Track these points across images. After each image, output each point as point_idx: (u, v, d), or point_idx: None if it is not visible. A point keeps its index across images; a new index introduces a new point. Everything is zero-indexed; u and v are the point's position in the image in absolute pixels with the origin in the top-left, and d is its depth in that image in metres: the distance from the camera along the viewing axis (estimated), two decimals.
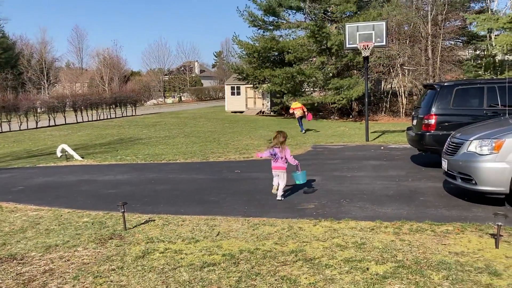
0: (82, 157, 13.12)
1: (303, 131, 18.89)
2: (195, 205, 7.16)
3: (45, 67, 59.84)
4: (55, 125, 27.83)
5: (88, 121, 30.70)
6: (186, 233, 5.64)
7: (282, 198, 7.26)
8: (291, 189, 7.96)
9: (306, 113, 19.15)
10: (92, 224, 6.28)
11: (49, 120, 28.34)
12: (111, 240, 5.48)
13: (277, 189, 7.30)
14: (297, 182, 7.51)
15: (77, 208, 7.25)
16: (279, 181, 7.27)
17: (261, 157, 7.61)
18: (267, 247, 4.99)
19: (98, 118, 32.10)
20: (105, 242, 5.43)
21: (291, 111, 20.13)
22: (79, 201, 7.80)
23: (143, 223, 6.18)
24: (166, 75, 71.07)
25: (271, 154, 7.26)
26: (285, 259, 4.61)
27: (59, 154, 13.31)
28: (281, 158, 7.24)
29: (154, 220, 6.31)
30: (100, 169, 11.25)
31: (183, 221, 6.23)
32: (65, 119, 29.47)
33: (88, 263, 4.76)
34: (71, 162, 12.59)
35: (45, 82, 59.27)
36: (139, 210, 6.91)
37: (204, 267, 4.49)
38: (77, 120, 30.21)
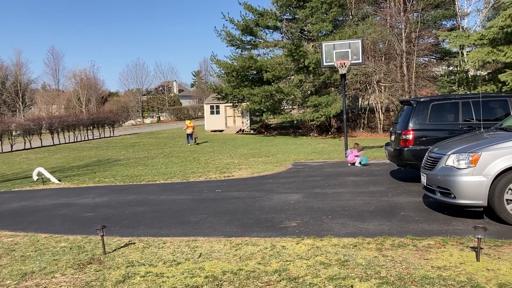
0: (59, 180, 12.86)
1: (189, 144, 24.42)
2: (176, 226, 7.05)
3: (20, 89, 58.96)
4: (31, 148, 27.31)
5: (65, 143, 30.22)
6: (168, 256, 5.53)
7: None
8: (272, 208, 7.93)
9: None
10: (70, 249, 6.11)
11: (25, 143, 27.81)
12: (90, 265, 5.33)
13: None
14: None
15: (54, 232, 7.05)
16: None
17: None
18: (250, 267, 4.93)
19: (75, 140, 31.64)
20: (84, 267, 5.28)
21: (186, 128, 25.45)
22: (56, 225, 7.60)
23: (123, 247, 6.05)
24: (144, 95, 70.81)
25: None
26: (269, 279, 4.55)
27: (35, 177, 13.03)
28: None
29: (134, 243, 6.18)
30: (77, 192, 11.03)
31: (164, 243, 6.12)
32: (41, 141, 28.95)
33: None
34: (48, 185, 12.32)
35: (21, 104, 58.33)
36: (119, 233, 6.76)
37: None
38: (53, 142, 29.71)
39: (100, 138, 33.83)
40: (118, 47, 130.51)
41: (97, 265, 5.33)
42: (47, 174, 12.90)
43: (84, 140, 32.14)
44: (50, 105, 63.65)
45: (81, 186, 11.95)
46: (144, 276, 4.85)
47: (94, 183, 12.28)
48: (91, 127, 34.11)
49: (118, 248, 5.97)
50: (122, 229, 7.03)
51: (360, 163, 12.49)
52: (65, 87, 70.82)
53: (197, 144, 24.82)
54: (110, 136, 35.01)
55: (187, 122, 26.46)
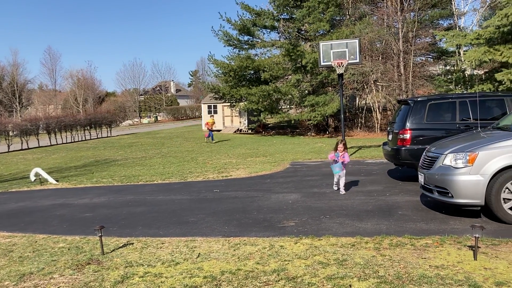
0: (57, 181, 12.84)
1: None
2: (174, 226, 7.06)
3: (17, 90, 58.84)
4: (28, 148, 27.24)
5: (63, 143, 30.15)
6: (166, 256, 5.54)
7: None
8: (270, 207, 7.95)
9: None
10: (69, 249, 6.10)
11: (22, 143, 27.73)
12: (89, 266, 5.34)
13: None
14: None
15: (52, 233, 7.05)
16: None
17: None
18: (249, 267, 4.94)
19: (72, 140, 31.57)
20: (82, 267, 5.28)
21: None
22: (54, 226, 7.60)
23: (121, 247, 6.05)
24: (141, 95, 70.69)
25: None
26: (268, 279, 4.56)
27: (32, 178, 13.00)
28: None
29: (132, 244, 6.19)
30: (75, 192, 11.02)
31: (162, 243, 6.12)
32: (38, 142, 28.88)
33: None
34: (45, 186, 12.30)
35: (17, 104, 58.21)
36: (117, 234, 6.76)
37: None
38: (51, 142, 29.63)
39: (97, 138, 33.77)
40: (115, 46, 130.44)
41: (96, 265, 5.33)
42: (45, 175, 12.87)
43: (82, 140, 32.07)
44: (47, 105, 63.54)
45: (78, 186, 11.93)
46: (142, 277, 4.85)
47: (92, 183, 12.26)
48: (88, 127, 34.04)
49: (117, 249, 5.98)
50: (120, 230, 7.03)
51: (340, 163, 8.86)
52: (62, 87, 70.81)
53: (206, 142, 24.72)
54: (107, 136, 34.96)
55: (209, 119, 26.69)
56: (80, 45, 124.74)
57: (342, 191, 8.88)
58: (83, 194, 10.64)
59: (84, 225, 7.45)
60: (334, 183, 9.27)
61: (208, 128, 25.69)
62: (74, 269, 5.24)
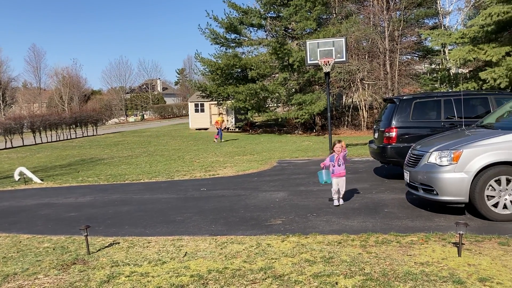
0: (42, 180, 12.68)
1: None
2: (160, 225, 7.02)
3: (1, 88, 57.95)
4: (12, 147, 26.85)
5: (48, 142, 29.80)
6: (152, 255, 5.51)
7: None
8: (257, 206, 7.95)
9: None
10: (53, 249, 6.04)
11: (6, 142, 27.32)
12: (74, 265, 5.29)
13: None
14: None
15: (37, 233, 6.96)
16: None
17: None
18: (236, 266, 4.93)
19: (58, 139, 31.21)
20: (68, 267, 5.23)
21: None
22: (39, 225, 7.51)
23: (107, 246, 6.00)
24: (127, 93, 70.15)
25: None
26: (254, 277, 4.57)
27: (17, 177, 12.82)
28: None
29: (118, 243, 6.14)
30: (60, 191, 10.90)
31: (148, 242, 6.09)
32: (22, 140, 28.49)
33: None
34: (30, 185, 12.14)
35: (1, 103, 57.33)
36: (103, 233, 6.71)
37: None
38: (35, 141, 29.25)
39: (83, 136, 33.45)
40: (101, 45, 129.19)
41: (81, 265, 5.29)
42: (29, 174, 12.71)
43: (67, 139, 31.73)
44: (31, 104, 62.63)
45: (64, 185, 11.80)
46: (129, 276, 4.82)
47: (78, 182, 12.15)
48: (74, 126, 33.68)
49: (103, 248, 5.93)
50: (107, 229, 6.97)
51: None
52: (47, 85, 69.88)
53: (220, 141, 24.03)
54: (93, 135, 34.64)
55: (218, 118, 25.74)
56: (65, 43, 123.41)
57: (341, 201, 7.67)
58: (69, 193, 10.53)
59: (69, 225, 7.38)
60: (334, 198, 7.64)
61: (216, 127, 24.71)
62: (59, 269, 5.19)
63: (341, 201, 7.67)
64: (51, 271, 5.14)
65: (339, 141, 7.77)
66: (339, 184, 7.56)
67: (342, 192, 7.68)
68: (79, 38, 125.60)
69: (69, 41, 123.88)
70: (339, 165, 7.57)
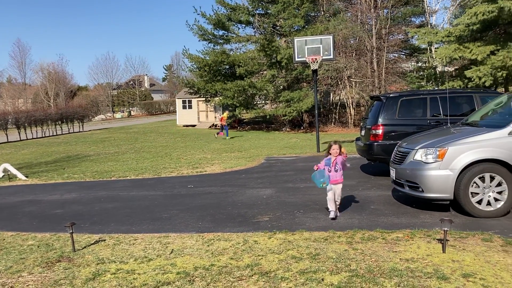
0: (26, 177, 12.53)
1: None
2: (147, 222, 6.99)
3: None
4: None
5: (33, 138, 29.42)
6: (139, 252, 5.48)
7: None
8: (244, 203, 7.95)
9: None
10: (38, 247, 5.97)
11: None
12: (59, 263, 5.23)
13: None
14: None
15: (21, 230, 6.88)
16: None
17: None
18: (223, 263, 4.93)
19: (43, 135, 30.82)
20: (53, 265, 5.18)
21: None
22: (23, 223, 7.42)
23: (93, 244, 5.96)
24: (114, 89, 69.55)
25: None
26: (241, 274, 4.57)
27: (0, 174, 12.65)
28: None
29: (104, 240, 6.10)
30: (45, 188, 10.78)
31: (135, 240, 6.05)
32: (7, 136, 28.09)
33: None
34: (14, 182, 11.99)
35: None
36: (89, 230, 6.66)
37: (158, 287, 4.37)
38: (20, 137, 28.86)
39: (69, 133, 33.10)
40: (88, 40, 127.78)
41: (66, 263, 5.24)
42: (14, 170, 12.55)
43: (53, 135, 31.37)
44: (16, 99, 61.79)
45: (49, 182, 11.67)
46: (114, 273, 4.79)
47: (63, 179, 12.02)
48: (60, 122, 33.27)
49: (88, 245, 5.88)
50: (92, 226, 6.92)
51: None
52: (32, 81, 68.99)
53: (216, 136, 24.03)
54: (79, 131, 34.29)
55: (224, 114, 25.45)
56: (51, 38, 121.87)
57: (338, 212, 6.73)
58: (54, 190, 10.42)
59: (54, 222, 7.30)
60: (330, 209, 6.63)
61: (222, 124, 24.53)
62: (43, 267, 5.13)
63: (338, 213, 6.74)
64: (35, 269, 5.09)
65: (336, 142, 6.72)
66: (335, 192, 6.61)
67: (338, 201, 6.77)
68: (65, 33, 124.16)
69: (55, 36, 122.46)
70: (336, 171, 6.59)
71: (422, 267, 4.52)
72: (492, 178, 6.20)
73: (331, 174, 6.56)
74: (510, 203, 6.21)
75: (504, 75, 15.79)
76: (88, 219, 7.42)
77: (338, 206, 6.77)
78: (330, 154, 6.67)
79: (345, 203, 7.52)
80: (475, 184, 6.23)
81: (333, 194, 6.58)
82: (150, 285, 4.41)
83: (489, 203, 6.24)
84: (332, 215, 6.60)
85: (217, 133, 24.38)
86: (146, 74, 78.43)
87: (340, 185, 6.69)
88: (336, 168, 6.60)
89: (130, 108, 65.74)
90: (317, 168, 6.61)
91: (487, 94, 10.06)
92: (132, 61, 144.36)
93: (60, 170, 13.79)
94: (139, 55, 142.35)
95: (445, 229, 4.90)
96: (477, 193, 6.24)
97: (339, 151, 6.60)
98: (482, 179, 6.22)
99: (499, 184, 6.20)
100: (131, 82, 71.91)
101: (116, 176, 11.94)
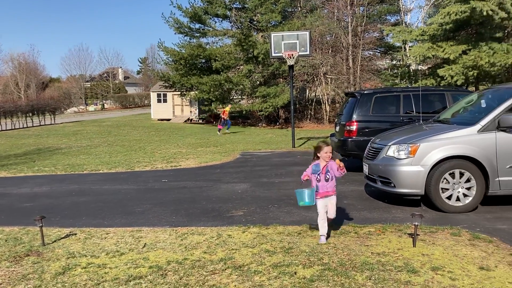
0: None
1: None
2: (119, 216, 6.89)
3: None
4: None
5: (2, 130, 28.61)
6: (110, 246, 5.40)
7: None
8: (219, 197, 7.93)
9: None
10: (6, 241, 5.82)
11: None
12: (28, 257, 5.11)
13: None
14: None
15: None
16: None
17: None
18: (196, 257, 4.91)
19: (13, 127, 30.01)
20: (21, 259, 5.05)
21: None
22: None
23: (63, 238, 5.84)
24: (87, 81, 68.26)
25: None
26: (214, 268, 4.56)
27: None
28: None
29: (75, 234, 5.99)
30: (14, 181, 10.50)
31: (107, 234, 5.96)
32: None
33: (1, 284, 4.39)
34: None
35: None
36: (59, 224, 6.52)
37: (130, 281, 4.32)
38: None
39: (40, 125, 32.32)
40: (60, 30, 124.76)
41: (35, 257, 5.12)
42: None
43: (23, 128, 30.58)
44: None
45: (18, 175, 11.38)
46: (85, 268, 4.71)
47: (33, 172, 11.74)
48: (31, 114, 32.44)
49: (58, 239, 5.76)
50: (63, 220, 6.78)
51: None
52: (1, 71, 66.83)
53: (218, 133, 22.57)
54: (51, 124, 33.52)
55: (226, 108, 24.13)
56: (22, 28, 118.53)
57: (325, 237, 5.22)
58: (23, 183, 10.16)
59: (23, 216, 7.12)
60: (322, 230, 5.23)
61: (223, 118, 23.30)
62: (11, 261, 5.00)
63: (328, 231, 5.34)
64: (3, 263, 4.96)
65: (326, 143, 5.35)
66: (327, 207, 5.30)
67: (332, 217, 5.38)
68: (37, 23, 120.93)
69: (26, 26, 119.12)
70: (327, 180, 5.27)
71: (393, 260, 4.60)
72: (461, 174, 6.35)
73: (320, 185, 5.25)
74: (478, 198, 6.38)
75: (475, 74, 16.19)
76: (59, 212, 7.27)
77: (330, 221, 5.45)
78: (319, 158, 5.31)
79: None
80: (445, 180, 6.37)
81: (325, 208, 5.28)
82: (122, 279, 4.36)
83: (458, 199, 6.39)
84: (322, 240, 5.18)
85: (219, 130, 23.34)
86: (121, 67, 77.24)
87: (334, 198, 5.35)
88: (327, 176, 5.27)
89: (104, 101, 64.60)
90: (305, 179, 5.33)
91: (459, 92, 10.30)
92: (106, 53, 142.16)
93: (30, 163, 13.47)
94: (114, 47, 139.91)
95: (416, 223, 5.00)
96: (447, 189, 6.38)
97: (331, 155, 5.31)
98: (452, 175, 6.36)
99: (468, 180, 6.35)
100: (105, 75, 70.64)
101: (88, 170, 11.73)
